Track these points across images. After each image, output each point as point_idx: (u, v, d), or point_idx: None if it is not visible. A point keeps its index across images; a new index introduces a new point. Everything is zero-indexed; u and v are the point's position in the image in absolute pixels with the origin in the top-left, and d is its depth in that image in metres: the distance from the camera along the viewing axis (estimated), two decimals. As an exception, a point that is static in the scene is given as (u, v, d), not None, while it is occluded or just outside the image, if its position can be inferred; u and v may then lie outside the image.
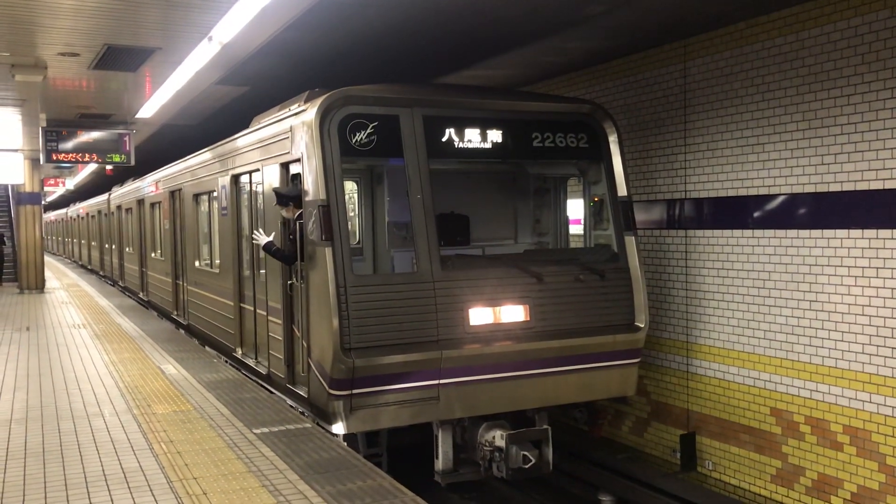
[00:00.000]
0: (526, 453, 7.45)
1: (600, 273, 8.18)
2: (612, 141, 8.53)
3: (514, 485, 9.26)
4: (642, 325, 8.20)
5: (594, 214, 9.02)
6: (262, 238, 8.04)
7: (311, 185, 7.28)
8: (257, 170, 9.06)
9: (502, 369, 7.60)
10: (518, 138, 8.20)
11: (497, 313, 7.67)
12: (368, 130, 7.46)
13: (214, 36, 8.05)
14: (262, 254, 9.18)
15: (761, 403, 8.12)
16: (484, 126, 8.00)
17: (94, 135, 14.58)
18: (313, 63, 9.85)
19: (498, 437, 7.58)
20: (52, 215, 55.45)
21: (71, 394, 8.12)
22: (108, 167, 20.74)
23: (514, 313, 7.75)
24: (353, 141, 7.40)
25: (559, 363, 7.84)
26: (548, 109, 8.42)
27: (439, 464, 7.74)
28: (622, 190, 8.48)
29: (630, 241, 8.37)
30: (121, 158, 14.75)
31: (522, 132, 8.21)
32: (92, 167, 21.97)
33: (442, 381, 7.36)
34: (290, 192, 7.79)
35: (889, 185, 6.80)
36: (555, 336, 7.81)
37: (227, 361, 10.55)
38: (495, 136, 8.07)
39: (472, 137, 7.95)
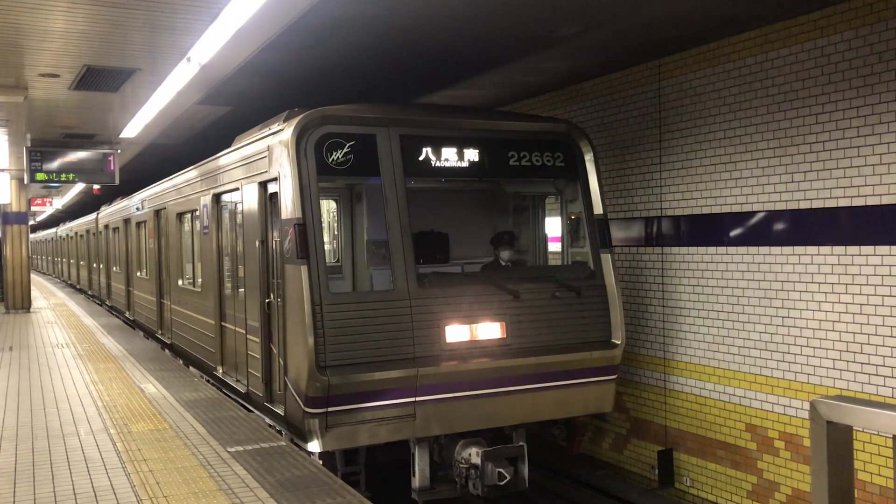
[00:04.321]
0: (501, 470, 7.47)
1: (576, 290, 8.24)
2: (588, 160, 8.61)
3: (494, 502, 9.25)
4: (619, 342, 8.25)
5: (571, 232, 9.10)
6: None
7: (288, 203, 7.34)
8: (237, 189, 9.12)
9: (479, 386, 7.63)
10: (495, 157, 8.27)
11: (473, 330, 7.71)
12: (345, 150, 7.52)
13: (193, 57, 8.13)
14: (241, 272, 9.24)
15: (736, 419, 8.17)
16: (460, 145, 8.07)
17: (79, 154, 14.59)
18: (294, 83, 9.93)
19: (474, 454, 7.60)
20: (41, 234, 55.33)
21: (48, 413, 8.12)
22: (96, 187, 20.74)
23: (490, 330, 7.79)
24: (330, 160, 7.46)
25: (536, 380, 7.87)
26: (524, 129, 8.49)
27: (416, 481, 7.74)
28: (598, 208, 8.55)
29: (606, 259, 8.43)
30: (104, 179, 14.76)
31: (499, 151, 8.28)
32: (80, 187, 21.97)
33: (418, 399, 7.38)
34: None
35: (856, 202, 6.90)
36: (531, 353, 7.85)
37: (208, 380, 10.55)
38: (472, 155, 8.14)
39: (449, 156, 8.02)
